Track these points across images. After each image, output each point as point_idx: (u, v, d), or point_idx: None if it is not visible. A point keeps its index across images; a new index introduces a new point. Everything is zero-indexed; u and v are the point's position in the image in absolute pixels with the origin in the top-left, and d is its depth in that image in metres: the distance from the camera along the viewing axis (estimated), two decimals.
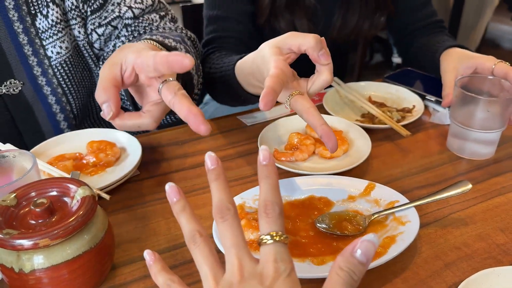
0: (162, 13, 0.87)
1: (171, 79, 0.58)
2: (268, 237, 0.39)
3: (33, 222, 0.50)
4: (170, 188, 0.44)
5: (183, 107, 0.54)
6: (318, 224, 0.61)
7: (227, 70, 0.78)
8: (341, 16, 1.01)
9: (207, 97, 1.29)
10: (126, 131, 0.79)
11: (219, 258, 0.41)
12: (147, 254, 0.44)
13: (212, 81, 0.86)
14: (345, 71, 1.21)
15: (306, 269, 0.54)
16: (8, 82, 0.77)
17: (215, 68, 0.85)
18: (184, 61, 0.53)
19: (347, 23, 1.02)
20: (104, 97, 0.57)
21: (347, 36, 1.04)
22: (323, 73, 0.62)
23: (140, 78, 0.59)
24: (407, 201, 0.62)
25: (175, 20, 0.90)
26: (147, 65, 0.56)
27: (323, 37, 0.61)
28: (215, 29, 0.96)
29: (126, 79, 0.59)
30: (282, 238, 0.39)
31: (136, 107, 0.76)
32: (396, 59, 2.82)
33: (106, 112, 0.58)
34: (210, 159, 0.43)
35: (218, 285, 0.39)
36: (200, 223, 0.42)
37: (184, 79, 0.75)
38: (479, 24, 2.65)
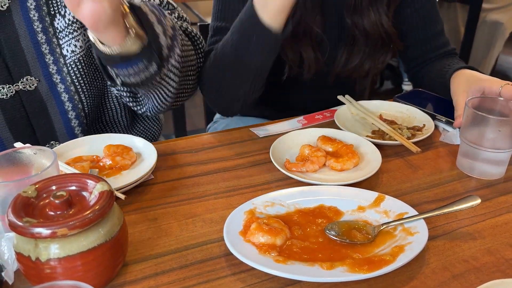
0: (170, 12, 0.89)
1: None
2: None
3: (51, 213, 0.52)
4: None
5: None
6: (327, 231, 0.61)
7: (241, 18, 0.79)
8: (346, 52, 1.01)
9: (217, 115, 1.30)
10: (143, 138, 0.81)
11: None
12: None
13: (219, 62, 0.86)
14: (354, 96, 1.21)
15: (315, 273, 0.55)
16: (24, 79, 0.81)
17: (221, 43, 0.86)
18: None
19: (351, 61, 1.01)
20: None
21: (350, 72, 1.03)
22: None
23: None
24: (416, 213, 0.63)
25: (184, 19, 0.91)
26: None
27: None
28: (220, 39, 0.93)
29: None
30: None
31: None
32: (406, 87, 2.84)
33: None
34: None
35: None
36: None
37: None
38: (489, 56, 2.68)
